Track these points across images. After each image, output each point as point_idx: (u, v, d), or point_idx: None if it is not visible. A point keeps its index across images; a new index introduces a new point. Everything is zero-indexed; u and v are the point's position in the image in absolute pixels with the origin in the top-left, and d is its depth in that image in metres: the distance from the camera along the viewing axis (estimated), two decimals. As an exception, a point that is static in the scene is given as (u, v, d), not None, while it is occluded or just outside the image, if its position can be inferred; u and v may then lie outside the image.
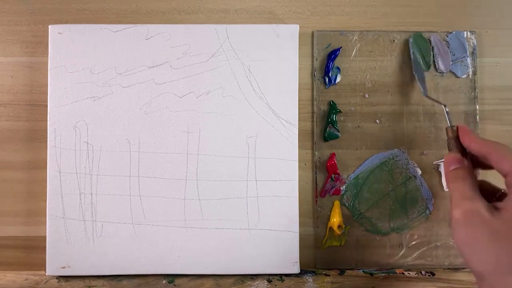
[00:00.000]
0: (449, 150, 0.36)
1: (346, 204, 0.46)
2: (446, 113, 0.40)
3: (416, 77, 0.45)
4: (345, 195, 0.46)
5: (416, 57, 0.46)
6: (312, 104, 0.47)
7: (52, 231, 0.44)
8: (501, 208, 0.30)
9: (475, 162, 0.35)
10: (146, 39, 0.45)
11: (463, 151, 0.35)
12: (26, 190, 0.46)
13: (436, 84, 0.47)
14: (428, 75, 0.47)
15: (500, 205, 0.30)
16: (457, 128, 0.36)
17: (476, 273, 0.30)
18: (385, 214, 0.46)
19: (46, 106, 0.44)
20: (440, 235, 0.46)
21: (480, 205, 0.30)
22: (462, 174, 0.33)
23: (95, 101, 0.44)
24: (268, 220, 0.44)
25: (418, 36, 0.47)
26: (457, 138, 0.35)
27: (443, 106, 0.41)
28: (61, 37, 0.44)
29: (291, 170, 0.44)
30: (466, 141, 0.35)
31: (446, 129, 0.36)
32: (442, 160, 0.46)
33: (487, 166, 0.33)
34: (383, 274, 0.45)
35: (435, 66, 0.47)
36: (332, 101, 0.46)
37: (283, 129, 0.45)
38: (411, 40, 0.46)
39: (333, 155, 0.46)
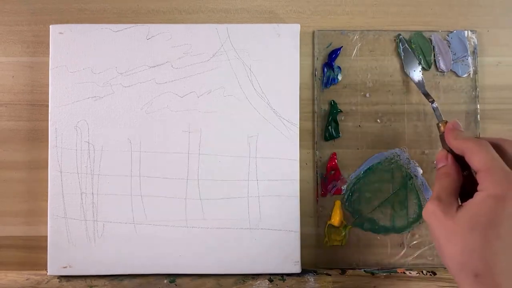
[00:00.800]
0: (442, 146, 0.37)
1: (347, 203, 0.46)
2: (433, 109, 0.40)
3: (410, 75, 0.46)
4: (346, 195, 0.46)
5: (408, 54, 0.46)
6: (313, 104, 0.47)
7: (54, 231, 0.44)
8: (461, 207, 0.30)
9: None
10: (147, 38, 0.45)
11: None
12: (27, 190, 0.46)
13: (437, 83, 0.47)
14: (429, 75, 0.47)
15: (464, 204, 0.31)
16: (445, 125, 0.36)
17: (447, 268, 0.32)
18: (386, 214, 0.46)
19: (47, 106, 0.44)
20: (441, 235, 0.46)
21: (436, 205, 0.31)
22: (439, 174, 0.34)
23: (96, 101, 0.44)
24: (269, 219, 0.44)
25: (419, 35, 0.47)
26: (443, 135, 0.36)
27: (430, 102, 0.41)
28: (62, 37, 0.44)
29: (292, 169, 0.44)
30: (447, 139, 0.35)
31: (436, 125, 0.38)
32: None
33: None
34: (384, 274, 0.45)
35: (436, 66, 0.47)
36: (333, 101, 0.46)
37: (284, 129, 0.45)
38: (401, 37, 0.46)
39: (334, 154, 0.46)
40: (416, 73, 0.45)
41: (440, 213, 0.31)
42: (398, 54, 0.46)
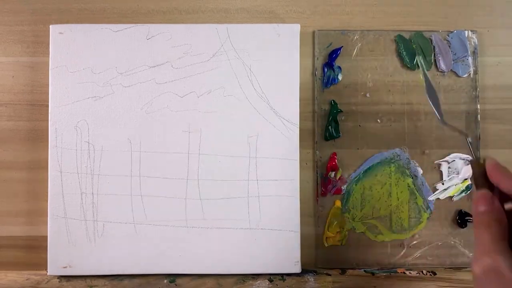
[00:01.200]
0: (475, 185, 0.32)
1: (347, 203, 0.46)
2: (469, 144, 0.35)
3: (430, 102, 0.42)
4: (346, 194, 0.46)
5: (428, 82, 0.43)
6: (313, 104, 0.47)
7: (54, 231, 0.44)
8: None
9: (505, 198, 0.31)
10: (147, 38, 0.45)
11: (490, 186, 0.31)
12: (27, 190, 0.46)
13: (438, 83, 0.47)
14: (429, 75, 0.47)
15: None
16: (484, 162, 0.31)
17: None
18: (386, 213, 0.46)
19: (47, 106, 0.44)
20: (441, 235, 0.46)
21: (500, 262, 0.27)
22: (488, 220, 0.29)
23: (96, 101, 0.44)
24: (269, 219, 0.44)
25: (419, 35, 0.47)
26: (484, 173, 0.31)
27: (465, 136, 0.36)
28: (62, 37, 0.44)
29: (292, 169, 0.44)
30: (497, 178, 0.30)
31: (471, 162, 0.32)
32: (444, 159, 0.46)
33: None
34: (384, 274, 0.45)
35: (436, 66, 0.47)
36: (333, 101, 0.46)
37: (284, 129, 0.45)
38: (425, 74, 0.44)
39: (334, 154, 0.46)
40: (438, 104, 0.41)
41: (507, 271, 0.26)
42: (381, 53, 0.45)
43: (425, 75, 0.45)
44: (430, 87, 0.42)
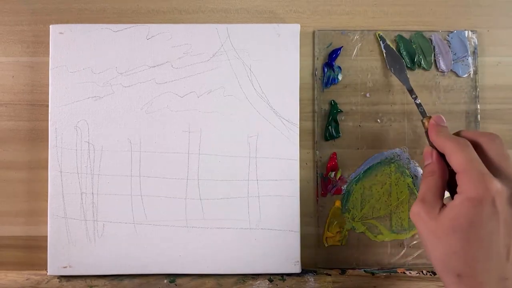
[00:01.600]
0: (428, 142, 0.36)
1: (347, 203, 0.46)
2: (417, 105, 0.40)
3: (393, 72, 0.45)
4: (346, 194, 0.46)
5: (389, 51, 0.45)
6: (313, 104, 0.47)
7: (54, 231, 0.44)
8: (443, 208, 0.30)
9: None
10: (147, 38, 0.45)
11: None
12: (27, 190, 0.46)
13: (437, 83, 0.47)
14: (429, 75, 0.47)
15: (446, 205, 0.31)
16: (428, 121, 0.35)
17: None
18: (386, 213, 0.46)
19: (47, 106, 0.44)
20: (441, 235, 0.46)
21: (421, 207, 0.32)
22: (425, 172, 0.34)
23: (96, 100, 0.44)
24: (269, 219, 0.44)
25: (419, 35, 0.47)
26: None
27: (413, 98, 0.40)
28: (62, 37, 0.44)
29: (292, 169, 0.44)
30: (430, 136, 0.35)
31: (421, 121, 0.37)
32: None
33: None
34: (384, 274, 0.45)
35: (436, 66, 0.47)
36: (333, 101, 0.46)
37: (284, 129, 0.45)
38: (380, 34, 0.46)
39: (334, 154, 0.46)
40: (400, 69, 0.45)
41: (424, 214, 0.31)
42: (380, 52, 0.46)
43: (386, 47, 0.45)
44: (391, 57, 0.44)
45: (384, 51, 0.46)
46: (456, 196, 0.30)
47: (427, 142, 0.37)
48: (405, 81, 0.44)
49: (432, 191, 0.32)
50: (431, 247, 0.31)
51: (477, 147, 0.32)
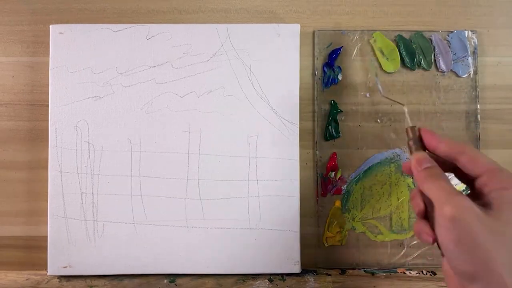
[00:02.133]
0: (410, 151, 0.33)
1: (347, 203, 0.46)
2: (406, 113, 0.37)
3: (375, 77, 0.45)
4: (346, 194, 0.46)
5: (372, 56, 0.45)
6: (313, 104, 0.47)
7: (54, 231, 0.44)
8: (489, 206, 0.28)
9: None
10: (147, 38, 0.45)
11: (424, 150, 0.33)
12: (27, 190, 0.46)
13: (437, 83, 0.47)
14: (429, 75, 0.47)
15: (484, 203, 0.28)
16: (419, 129, 0.33)
17: (466, 275, 0.28)
18: (386, 213, 0.46)
19: (47, 106, 0.44)
20: (441, 235, 0.46)
21: (470, 201, 0.28)
22: (438, 172, 0.31)
23: (96, 100, 0.44)
24: (269, 219, 0.44)
25: (419, 35, 0.47)
26: (419, 139, 0.33)
27: (402, 106, 0.38)
28: (62, 37, 0.44)
29: (292, 169, 0.44)
30: (434, 142, 0.32)
31: (407, 129, 0.34)
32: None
33: (448, 169, 0.32)
34: (384, 274, 0.45)
35: (436, 66, 0.47)
36: (333, 101, 0.46)
37: (284, 129, 0.45)
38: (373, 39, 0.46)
39: (334, 154, 0.46)
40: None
41: (479, 210, 0.27)
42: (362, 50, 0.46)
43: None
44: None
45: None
46: (499, 192, 0.28)
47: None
48: (381, 87, 0.43)
49: (455, 188, 0.29)
50: (485, 244, 0.26)
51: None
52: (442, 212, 0.28)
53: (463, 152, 0.30)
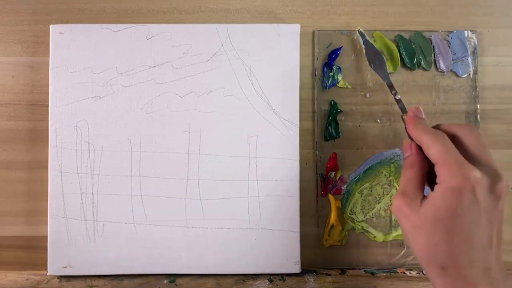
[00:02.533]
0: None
1: (347, 203, 0.46)
2: (396, 101, 0.40)
3: (373, 67, 0.44)
4: (346, 194, 0.46)
5: (369, 46, 0.45)
6: (313, 104, 0.47)
7: (54, 231, 0.44)
8: (424, 200, 0.30)
9: None
10: (147, 38, 0.45)
11: None
12: (27, 190, 0.46)
13: (437, 83, 0.47)
14: (429, 75, 0.47)
15: (427, 196, 0.31)
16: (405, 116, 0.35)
17: None
18: (386, 213, 0.46)
19: (47, 106, 0.44)
20: (441, 235, 0.46)
21: (402, 200, 0.31)
22: (405, 165, 0.34)
23: (96, 101, 0.44)
24: (269, 219, 0.44)
25: (419, 35, 0.47)
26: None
27: (392, 94, 0.40)
28: (62, 37, 0.45)
29: (292, 169, 0.44)
30: (408, 129, 0.35)
31: (401, 117, 0.37)
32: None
33: None
34: (384, 274, 0.45)
35: (436, 66, 0.47)
36: (333, 101, 0.46)
37: (284, 129, 0.45)
38: (359, 30, 0.45)
39: (334, 154, 0.46)
40: (380, 65, 0.44)
41: (405, 207, 0.31)
42: (362, 50, 0.45)
43: (366, 43, 0.45)
44: (371, 53, 0.43)
45: (363, 47, 0.45)
46: (436, 187, 0.30)
47: (407, 136, 0.36)
48: (384, 76, 0.43)
49: (412, 183, 0.32)
50: (414, 240, 0.30)
51: (454, 139, 0.32)
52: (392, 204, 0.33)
53: (423, 139, 0.32)
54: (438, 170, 0.30)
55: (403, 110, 0.39)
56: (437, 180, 0.30)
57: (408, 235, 0.31)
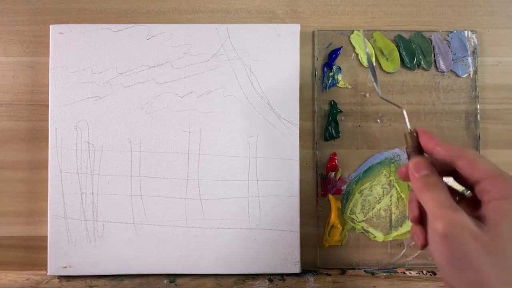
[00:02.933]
0: (408, 157, 0.32)
1: (347, 203, 0.46)
2: (406, 116, 0.35)
3: (372, 78, 0.40)
4: (346, 194, 0.46)
5: (368, 57, 0.42)
6: (313, 104, 0.47)
7: (54, 231, 0.44)
8: (486, 220, 0.27)
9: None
10: (147, 38, 0.45)
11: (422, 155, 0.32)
12: (27, 190, 0.46)
13: (437, 83, 0.47)
14: (429, 75, 0.47)
15: (482, 215, 0.27)
16: (417, 132, 0.32)
17: None
18: (386, 213, 0.46)
19: (47, 106, 0.44)
20: (441, 235, 0.46)
21: (465, 216, 0.26)
22: (436, 181, 0.29)
23: (96, 101, 0.44)
24: (269, 219, 0.44)
25: (419, 35, 0.47)
26: (418, 143, 0.31)
27: (401, 108, 0.36)
28: (62, 37, 0.45)
29: (292, 169, 0.44)
30: (431, 145, 0.31)
31: (405, 134, 0.32)
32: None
33: (446, 173, 0.30)
34: (384, 274, 0.45)
35: (436, 66, 0.47)
36: (333, 101, 0.46)
37: (284, 129, 0.45)
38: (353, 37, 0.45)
39: (334, 154, 0.46)
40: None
41: (473, 226, 0.26)
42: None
43: (368, 60, 0.43)
44: (371, 67, 0.42)
45: (368, 65, 0.41)
46: (497, 204, 0.26)
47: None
48: (378, 89, 0.40)
49: (451, 200, 0.28)
50: (478, 263, 0.25)
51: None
52: (435, 227, 0.27)
53: (461, 155, 0.29)
54: (490, 184, 0.27)
55: (410, 128, 0.34)
56: (487, 197, 0.27)
57: (472, 258, 0.25)
